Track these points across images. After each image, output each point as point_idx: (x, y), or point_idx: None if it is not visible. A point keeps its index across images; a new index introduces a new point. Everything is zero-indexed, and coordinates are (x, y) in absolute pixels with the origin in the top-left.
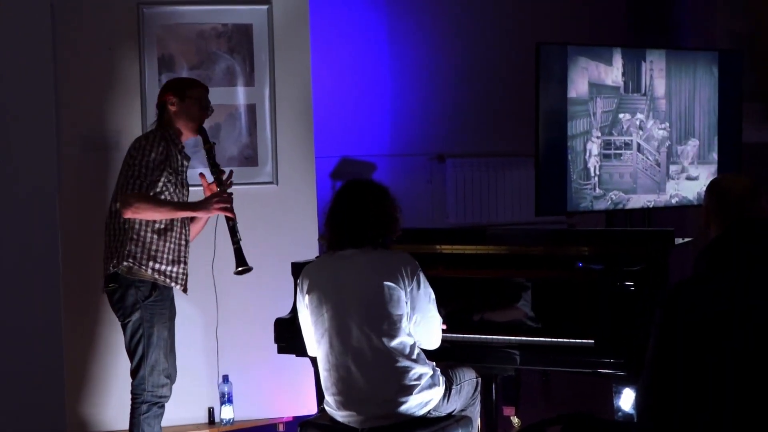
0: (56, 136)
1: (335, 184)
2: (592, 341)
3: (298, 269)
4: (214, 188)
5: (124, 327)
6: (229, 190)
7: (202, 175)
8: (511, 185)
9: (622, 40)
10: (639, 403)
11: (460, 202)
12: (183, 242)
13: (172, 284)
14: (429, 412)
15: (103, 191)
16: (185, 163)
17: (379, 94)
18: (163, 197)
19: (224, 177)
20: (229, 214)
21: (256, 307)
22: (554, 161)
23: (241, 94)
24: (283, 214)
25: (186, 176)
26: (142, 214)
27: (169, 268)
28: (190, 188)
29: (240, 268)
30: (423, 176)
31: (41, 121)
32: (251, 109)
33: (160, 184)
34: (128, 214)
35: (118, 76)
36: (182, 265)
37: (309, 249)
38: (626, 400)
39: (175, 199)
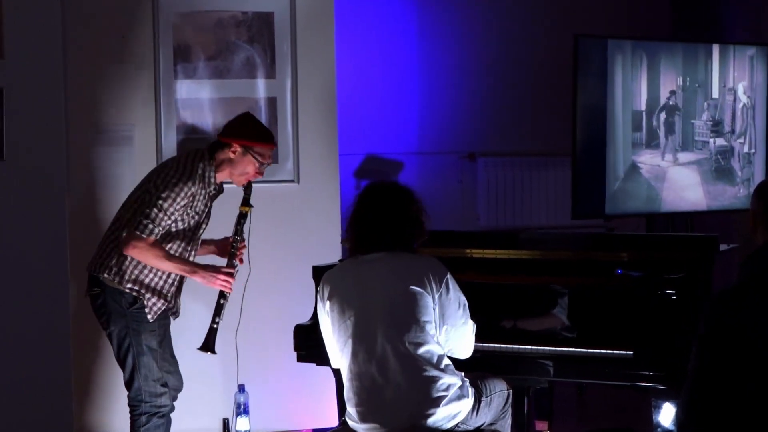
0: (65, 130)
1: (359, 184)
2: (631, 352)
3: (319, 273)
4: (224, 251)
5: (109, 336)
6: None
7: (223, 244)
8: (547, 186)
9: (665, 33)
10: (680, 419)
11: (492, 203)
12: (169, 281)
13: (145, 311)
14: (457, 425)
15: (114, 188)
16: (213, 199)
17: (407, 88)
18: (167, 234)
19: (241, 252)
20: (228, 291)
21: (274, 312)
22: (592, 161)
23: (261, 87)
24: (304, 215)
25: (209, 214)
26: (141, 259)
27: (147, 295)
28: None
29: (205, 350)
30: (453, 176)
31: (50, 114)
32: (272, 103)
33: (171, 220)
34: (128, 253)
35: (131, 67)
36: (161, 301)
37: (331, 251)
38: (666, 415)
39: (182, 236)
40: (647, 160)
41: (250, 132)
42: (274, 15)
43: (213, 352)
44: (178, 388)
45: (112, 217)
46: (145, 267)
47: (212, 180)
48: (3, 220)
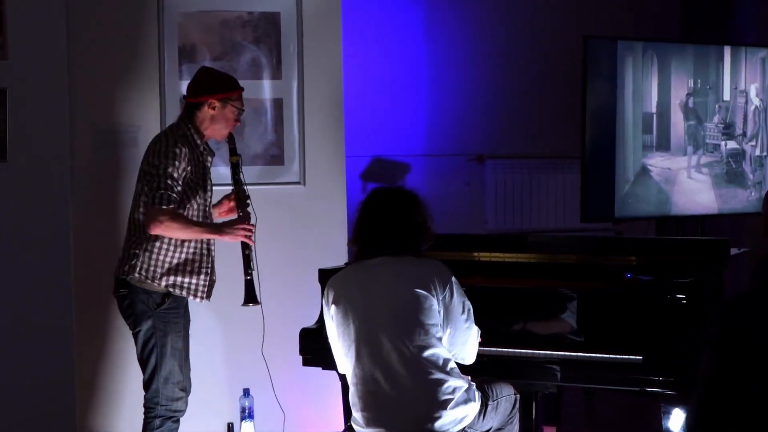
0: (69, 131)
1: (366, 186)
2: (640, 357)
3: (325, 276)
4: (232, 205)
5: (135, 336)
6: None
7: (228, 198)
8: (555, 189)
9: (674, 35)
10: (690, 425)
11: (500, 206)
12: (204, 252)
13: (190, 297)
14: (463, 429)
15: (118, 191)
16: (209, 160)
17: (415, 90)
18: (181, 207)
19: (248, 200)
20: (250, 242)
21: (279, 316)
22: (602, 163)
23: (267, 88)
24: (310, 217)
25: (210, 177)
26: (169, 233)
27: (186, 279)
28: (214, 187)
29: (248, 303)
30: (460, 178)
31: (53, 116)
32: (278, 104)
33: (180, 187)
34: (156, 231)
35: (135, 67)
36: (203, 276)
37: (338, 254)
38: (676, 421)
39: (199, 206)
40: (657, 162)
41: (221, 84)
42: (281, 15)
43: (257, 302)
44: (188, 392)
45: (116, 221)
46: (169, 249)
47: (197, 140)
48: (6, 222)
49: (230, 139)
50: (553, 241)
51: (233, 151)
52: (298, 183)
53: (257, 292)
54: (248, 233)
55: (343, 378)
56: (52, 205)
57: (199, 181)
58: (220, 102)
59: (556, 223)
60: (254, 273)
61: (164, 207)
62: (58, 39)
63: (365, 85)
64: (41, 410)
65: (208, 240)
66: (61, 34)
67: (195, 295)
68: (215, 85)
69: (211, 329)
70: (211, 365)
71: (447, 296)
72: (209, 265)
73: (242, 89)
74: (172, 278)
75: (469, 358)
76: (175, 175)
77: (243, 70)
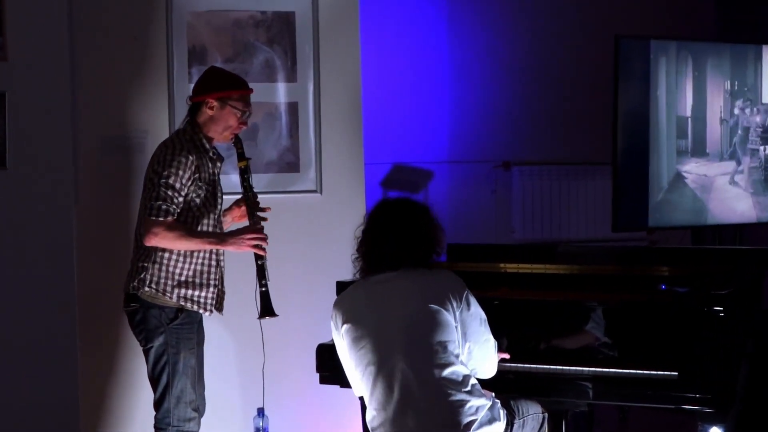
0: (73, 137)
1: (386, 194)
2: (676, 373)
3: (343, 289)
4: (244, 212)
5: (146, 353)
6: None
7: (238, 205)
8: (586, 197)
9: (710, 34)
10: None
11: (527, 215)
12: (213, 263)
13: (200, 311)
14: None
15: (125, 199)
16: (218, 166)
17: (437, 93)
18: (190, 216)
19: (259, 205)
20: (261, 252)
21: (295, 331)
22: (634, 170)
23: (281, 91)
24: (327, 227)
25: (219, 182)
26: (166, 244)
27: (195, 293)
28: (224, 195)
29: (265, 316)
30: (486, 186)
31: (56, 120)
32: (293, 108)
33: (188, 199)
34: (151, 243)
35: (143, 70)
36: (211, 289)
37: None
38: None
39: (209, 214)
40: (693, 169)
41: (221, 82)
42: (295, 15)
43: (273, 314)
44: (202, 413)
45: (123, 232)
46: (178, 261)
47: (206, 145)
48: (5, 233)
49: (237, 143)
50: (583, 252)
51: (241, 156)
52: (314, 191)
53: (272, 306)
54: (257, 242)
55: (362, 397)
56: (54, 215)
57: (209, 188)
58: (218, 102)
59: (587, 233)
60: (269, 284)
61: (160, 219)
62: (60, 39)
63: (384, 88)
64: (45, 419)
65: (218, 251)
66: (64, 35)
67: (204, 309)
68: (214, 84)
69: (223, 345)
70: (223, 383)
71: (464, 309)
72: (217, 278)
73: (247, 90)
74: (183, 291)
75: (490, 371)
76: (177, 185)
77: (256, 72)
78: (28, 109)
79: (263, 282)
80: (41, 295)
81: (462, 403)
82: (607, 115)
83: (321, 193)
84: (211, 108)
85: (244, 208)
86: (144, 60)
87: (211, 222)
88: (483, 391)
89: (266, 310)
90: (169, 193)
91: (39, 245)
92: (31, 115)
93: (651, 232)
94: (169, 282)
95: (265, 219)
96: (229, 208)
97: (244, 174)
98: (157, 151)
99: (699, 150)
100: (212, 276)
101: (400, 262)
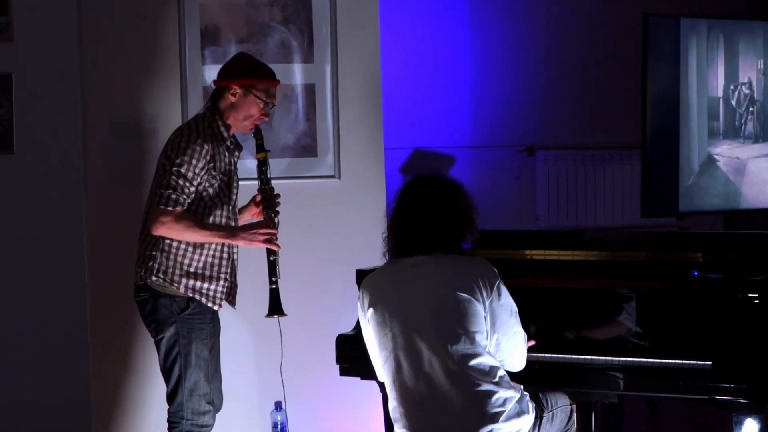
0: (81, 121)
1: (406, 180)
2: (710, 363)
3: (363, 277)
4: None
5: (157, 344)
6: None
7: (255, 203)
8: (613, 182)
9: (739, 11)
10: None
11: (552, 201)
12: (224, 255)
13: (209, 304)
14: None
15: (135, 186)
16: (236, 155)
17: (459, 75)
18: (202, 206)
19: (276, 199)
20: (273, 247)
21: (314, 321)
22: (664, 153)
23: (297, 73)
24: (346, 213)
25: (236, 173)
26: (174, 235)
27: (205, 285)
28: (240, 182)
29: (273, 315)
30: (509, 171)
31: (64, 103)
32: (310, 90)
33: (201, 189)
34: (158, 232)
35: (154, 51)
36: (221, 282)
37: (376, 254)
38: None
39: (224, 205)
40: (725, 152)
41: (248, 69)
42: None
43: (282, 314)
44: (219, 407)
45: (134, 219)
46: (188, 251)
47: (224, 134)
48: (12, 220)
49: (257, 134)
50: (612, 238)
51: (260, 147)
52: (332, 176)
53: (281, 304)
54: (269, 237)
55: (383, 388)
56: (64, 201)
57: (224, 178)
58: (242, 89)
59: (614, 220)
60: (279, 281)
61: (169, 209)
62: (68, 18)
63: (404, 70)
64: (55, 425)
65: (230, 244)
66: (72, 14)
67: (213, 302)
68: (241, 70)
69: (240, 338)
70: (240, 376)
71: (494, 299)
72: (229, 271)
73: (274, 81)
74: (191, 282)
75: (518, 364)
76: (189, 174)
77: (271, 53)
78: (34, 91)
79: (273, 279)
80: (50, 284)
81: (489, 394)
82: (635, 97)
83: (339, 178)
84: (234, 95)
85: (259, 205)
86: (155, 41)
87: (225, 214)
88: (512, 384)
89: (275, 308)
90: (180, 182)
91: (47, 232)
92: (38, 97)
93: (681, 219)
94: (177, 272)
95: (277, 213)
96: (247, 206)
97: (262, 166)
98: (172, 137)
99: (731, 132)
100: (223, 269)
101: (432, 244)
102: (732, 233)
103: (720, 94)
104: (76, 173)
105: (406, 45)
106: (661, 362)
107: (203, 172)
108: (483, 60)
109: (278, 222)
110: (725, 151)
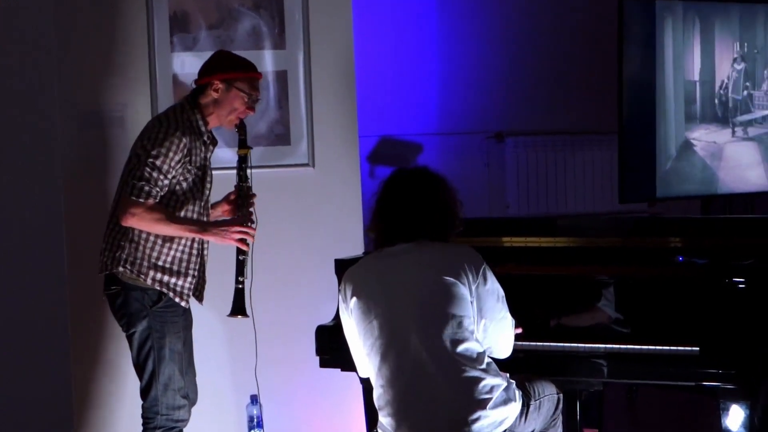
0: (56, 111)
1: (373, 169)
2: (697, 349)
3: (342, 267)
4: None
5: (129, 338)
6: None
7: (228, 200)
8: (584, 169)
9: None
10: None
11: (522, 189)
12: (194, 252)
13: (176, 299)
14: None
15: (103, 176)
16: (211, 150)
17: (426, 61)
18: (173, 199)
19: (252, 199)
20: (245, 247)
21: (292, 313)
22: (641, 138)
23: (269, 59)
24: (321, 202)
25: (210, 168)
26: (143, 226)
27: (172, 280)
28: (213, 172)
29: (236, 315)
30: (479, 158)
31: (40, 95)
32: (281, 77)
33: (174, 182)
34: (128, 223)
35: (121, 38)
36: (189, 279)
37: (354, 243)
38: (734, 419)
39: (191, 198)
40: (702, 136)
41: (227, 63)
42: None
43: (245, 315)
44: (194, 401)
45: (102, 208)
46: (157, 243)
47: (202, 128)
48: None
49: (241, 129)
50: (590, 224)
51: (243, 143)
52: (306, 165)
53: (247, 303)
54: (242, 236)
55: (365, 381)
56: (41, 194)
57: (198, 172)
58: (224, 83)
59: (586, 206)
60: (254, 273)
61: (140, 200)
62: (43, 7)
63: (371, 58)
64: (36, 419)
65: (201, 239)
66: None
67: (180, 297)
68: (220, 65)
69: (215, 331)
70: (214, 369)
71: (480, 284)
72: (197, 267)
73: (254, 73)
74: (159, 275)
75: (505, 351)
76: (165, 167)
77: (241, 39)
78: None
79: (240, 279)
80: (29, 283)
81: (476, 381)
82: (608, 82)
83: (313, 166)
84: (217, 90)
85: (233, 203)
86: (122, 28)
87: (197, 209)
88: (499, 372)
89: (238, 308)
90: (155, 174)
91: (25, 226)
92: (11, 89)
93: (652, 205)
94: (145, 263)
95: (252, 212)
96: (220, 202)
97: (242, 163)
98: (150, 126)
99: (708, 116)
100: (192, 265)
101: (416, 233)
102: (714, 218)
103: (696, 77)
104: (53, 165)
105: (374, 31)
106: (648, 348)
107: (178, 166)
108: (451, 45)
109: (256, 220)
110: (702, 136)
